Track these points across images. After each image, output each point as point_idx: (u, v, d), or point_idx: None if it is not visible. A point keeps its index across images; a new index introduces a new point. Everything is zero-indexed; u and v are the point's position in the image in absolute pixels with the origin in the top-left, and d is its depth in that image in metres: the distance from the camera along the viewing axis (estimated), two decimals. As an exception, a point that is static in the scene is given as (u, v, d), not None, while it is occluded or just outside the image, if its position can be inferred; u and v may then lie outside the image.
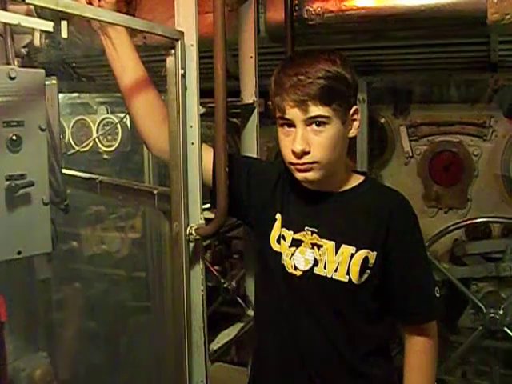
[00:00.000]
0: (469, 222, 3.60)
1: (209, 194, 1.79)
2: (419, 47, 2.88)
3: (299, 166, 1.57)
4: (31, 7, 1.50)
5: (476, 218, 3.58)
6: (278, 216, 1.72)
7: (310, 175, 1.58)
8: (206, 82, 1.74)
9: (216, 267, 4.03)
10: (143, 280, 3.05)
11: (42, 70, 1.44)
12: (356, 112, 1.61)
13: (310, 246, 1.66)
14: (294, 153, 1.55)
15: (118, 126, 3.97)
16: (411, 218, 1.68)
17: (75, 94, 3.95)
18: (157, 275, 2.89)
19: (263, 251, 1.76)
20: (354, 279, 1.61)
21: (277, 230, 1.71)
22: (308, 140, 1.54)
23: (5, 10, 1.48)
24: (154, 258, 2.93)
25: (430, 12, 2.26)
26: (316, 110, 1.52)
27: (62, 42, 1.82)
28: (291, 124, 1.56)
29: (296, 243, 1.68)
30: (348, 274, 1.61)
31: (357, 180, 1.71)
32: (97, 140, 4.09)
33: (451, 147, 3.75)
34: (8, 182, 1.38)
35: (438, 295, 1.70)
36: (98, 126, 4.07)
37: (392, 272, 1.64)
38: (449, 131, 3.75)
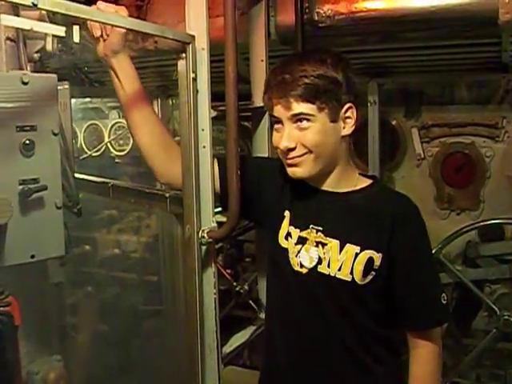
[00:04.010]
0: (482, 223, 3.58)
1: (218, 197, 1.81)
2: (430, 48, 2.87)
3: (288, 161, 1.64)
4: (43, 12, 1.50)
5: (489, 220, 3.56)
6: (287, 213, 1.74)
7: (297, 170, 1.64)
8: (217, 85, 1.75)
9: (228, 270, 4.02)
10: (156, 283, 3.05)
11: (55, 75, 1.45)
12: (350, 110, 1.62)
13: (315, 243, 1.67)
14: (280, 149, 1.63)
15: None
16: (417, 223, 1.68)
17: (87, 99, 3.97)
18: (169, 278, 2.89)
19: (272, 248, 1.78)
20: (358, 279, 1.62)
21: (285, 227, 1.73)
22: (294, 137, 1.60)
23: (17, 15, 1.50)
24: (166, 261, 2.94)
25: (441, 13, 2.26)
26: (298, 107, 1.58)
27: (74, 47, 1.83)
28: (280, 121, 1.63)
29: (302, 241, 1.70)
30: (351, 273, 1.62)
31: (365, 182, 1.73)
32: (109, 144, 4.11)
33: (463, 148, 3.73)
34: (21, 187, 1.39)
35: (445, 302, 1.69)
36: (110, 130, 4.09)
37: (396, 276, 1.64)
38: (461, 132, 3.73)
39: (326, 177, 1.69)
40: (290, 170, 1.66)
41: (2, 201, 1.30)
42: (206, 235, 1.73)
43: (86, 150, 4.07)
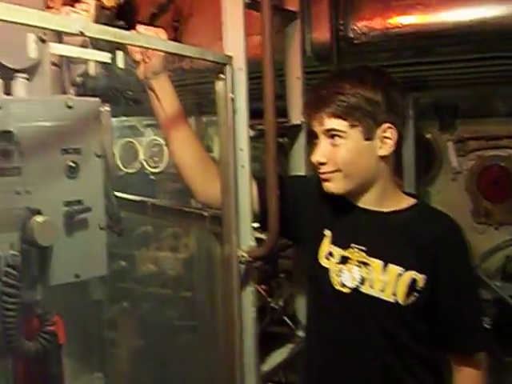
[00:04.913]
0: (521, 238, 3.52)
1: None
2: (465, 61, 2.84)
3: (321, 176, 1.66)
4: (86, 38, 1.54)
5: (529, 234, 3.50)
6: (327, 232, 1.73)
7: (330, 185, 1.66)
8: (253, 101, 1.77)
9: (263, 286, 4.02)
10: (194, 301, 3.07)
11: (98, 99, 1.48)
12: (389, 131, 1.61)
13: (357, 263, 1.66)
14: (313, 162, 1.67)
15: (164, 147, 4.03)
16: (460, 245, 1.67)
17: (123, 118, 4.03)
18: (207, 297, 2.90)
19: (313, 268, 1.77)
20: (401, 300, 1.60)
21: (326, 246, 1.73)
22: (326, 152, 1.63)
23: (60, 41, 1.54)
24: (205, 280, 2.95)
25: (478, 26, 2.25)
26: (330, 123, 1.61)
27: (115, 71, 1.87)
28: (317, 135, 1.66)
29: (344, 260, 1.69)
30: (394, 294, 1.61)
31: (407, 202, 1.71)
32: (144, 161, 4.16)
33: (500, 161, 3.67)
34: (66, 208, 1.43)
35: (487, 326, 1.66)
36: (145, 147, 4.14)
37: (439, 299, 1.62)
38: (497, 145, 3.67)
39: (366, 195, 1.69)
40: (323, 185, 1.68)
41: (48, 223, 1.33)
42: (245, 254, 1.74)
43: (121, 167, 4.12)
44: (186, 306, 3.06)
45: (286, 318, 3.27)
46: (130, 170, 3.93)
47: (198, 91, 3.37)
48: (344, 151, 1.61)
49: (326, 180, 1.66)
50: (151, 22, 2.69)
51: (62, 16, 1.49)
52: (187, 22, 2.74)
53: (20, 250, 1.36)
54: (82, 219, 1.45)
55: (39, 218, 1.32)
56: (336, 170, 1.63)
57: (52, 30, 1.21)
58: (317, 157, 1.65)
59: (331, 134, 1.62)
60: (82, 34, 1.13)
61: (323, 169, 1.65)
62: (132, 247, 3.19)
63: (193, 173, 1.80)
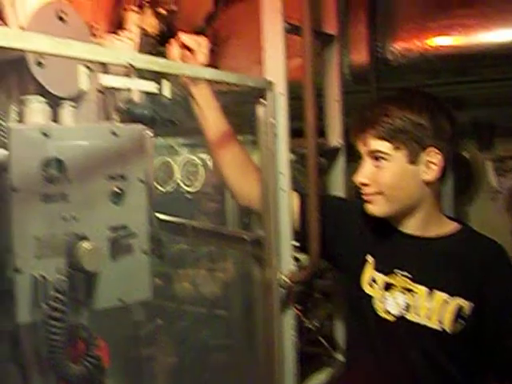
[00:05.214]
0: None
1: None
2: (503, 80, 2.81)
3: (363, 197, 1.65)
4: (131, 66, 1.57)
5: None
6: (370, 258, 1.72)
7: (371, 208, 1.65)
8: (292, 120, 1.78)
9: (297, 306, 3.99)
10: (233, 323, 3.07)
11: (142, 126, 1.51)
12: (435, 156, 1.60)
13: (402, 290, 1.64)
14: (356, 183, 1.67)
15: (200, 166, 4.07)
16: (507, 270, 1.64)
17: (159, 138, 4.07)
18: (247, 319, 2.90)
19: (354, 294, 1.75)
20: (447, 328, 1.58)
21: (368, 272, 1.71)
22: (369, 173, 1.63)
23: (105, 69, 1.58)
24: (244, 302, 2.95)
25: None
26: (374, 144, 1.60)
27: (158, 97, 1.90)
28: (362, 156, 1.67)
29: (387, 287, 1.66)
30: (441, 321, 1.58)
31: (452, 227, 1.69)
32: (179, 180, 4.19)
33: (540, 180, 3.62)
34: (111, 233, 1.45)
35: None
36: (181, 166, 4.17)
37: (488, 326, 1.59)
38: (537, 164, 3.62)
39: (409, 219, 1.67)
40: (365, 206, 1.67)
41: (94, 250, 1.35)
42: (286, 278, 1.74)
43: (157, 186, 4.16)
44: (224, 327, 3.06)
45: (321, 339, 3.25)
46: (165, 189, 3.96)
47: (234, 112, 3.40)
48: (387, 174, 1.61)
49: (368, 202, 1.66)
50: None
51: (110, 48, 1.53)
52: (225, 45, 2.77)
53: (66, 275, 1.38)
54: (127, 244, 1.47)
55: (86, 244, 1.35)
56: (378, 193, 1.62)
57: (101, 62, 1.24)
58: (360, 178, 1.65)
59: (375, 155, 1.62)
60: (130, 65, 1.15)
61: (366, 190, 1.65)
62: (170, 268, 3.21)
63: (234, 178, 1.82)
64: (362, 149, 1.66)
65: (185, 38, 1.69)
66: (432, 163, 1.60)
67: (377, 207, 1.65)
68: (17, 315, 1.37)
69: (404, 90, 1.78)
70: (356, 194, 1.77)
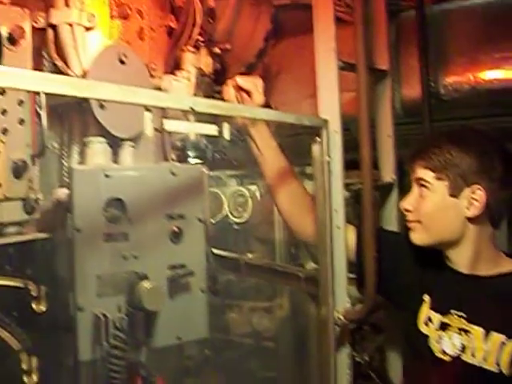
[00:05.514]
0: None
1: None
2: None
3: (407, 224, 1.66)
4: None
5: None
6: (426, 297, 1.69)
7: (413, 235, 1.66)
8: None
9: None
10: (286, 359, 3.05)
11: (201, 166, 1.54)
12: (479, 194, 1.57)
13: (458, 330, 1.61)
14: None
15: (249, 197, 4.09)
16: None
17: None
18: (302, 355, 2.88)
19: (410, 332, 1.73)
20: (505, 370, 1.53)
21: (424, 311, 1.68)
22: (413, 200, 1.65)
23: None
24: (298, 339, 2.94)
25: None
26: (419, 172, 1.63)
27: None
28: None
29: (443, 327, 1.63)
30: (498, 363, 1.54)
31: (510, 265, 1.65)
32: (228, 212, 4.22)
33: None
34: (170, 272, 1.47)
35: None
36: (229, 198, 4.21)
37: None
38: None
39: (457, 256, 1.64)
40: (409, 234, 1.67)
41: (156, 289, 1.37)
42: (341, 316, 1.72)
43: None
44: (280, 365, 3.04)
45: (371, 373, 3.19)
46: (214, 221, 3.99)
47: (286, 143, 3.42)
48: (427, 203, 1.61)
49: (411, 229, 1.67)
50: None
51: (172, 94, 1.57)
52: (275, 80, 2.80)
53: (127, 314, 1.41)
54: (185, 282, 1.49)
55: (147, 284, 1.37)
56: (418, 221, 1.63)
57: (164, 108, 1.27)
58: (404, 203, 1.67)
59: (420, 183, 1.63)
60: (192, 109, 1.18)
61: (408, 217, 1.66)
62: (224, 303, 3.22)
63: (292, 214, 1.85)
64: (412, 176, 1.68)
65: (241, 80, 1.71)
66: (475, 200, 1.58)
67: (416, 235, 1.66)
68: (78, 353, 1.40)
69: (460, 127, 1.78)
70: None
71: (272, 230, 3.97)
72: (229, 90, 1.74)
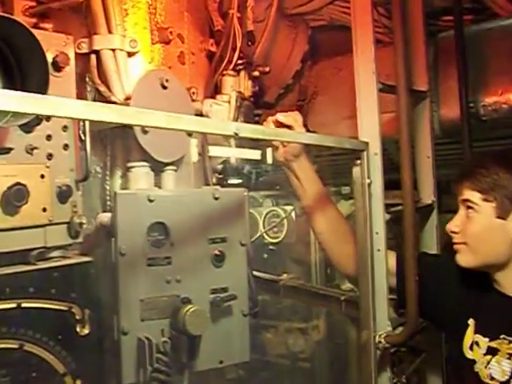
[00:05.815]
0: None
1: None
2: None
3: (453, 246, 1.64)
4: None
5: None
6: (471, 321, 1.66)
7: (459, 257, 1.63)
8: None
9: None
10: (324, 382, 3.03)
11: (243, 190, 1.54)
12: None
13: (507, 355, 1.57)
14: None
15: (284, 218, 4.08)
16: None
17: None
18: (342, 378, 2.85)
19: (455, 356, 1.70)
20: None
21: (470, 335, 1.65)
22: (459, 222, 1.63)
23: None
24: (338, 362, 2.91)
25: None
26: (466, 193, 1.61)
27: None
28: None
29: (492, 351, 1.60)
30: None
31: None
32: (263, 232, 4.22)
33: None
34: (213, 296, 1.48)
35: None
36: (265, 218, 4.20)
37: None
38: None
39: (505, 278, 1.61)
40: (456, 256, 1.65)
41: (200, 313, 1.38)
42: (383, 340, 1.70)
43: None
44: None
45: (409, 396, 3.13)
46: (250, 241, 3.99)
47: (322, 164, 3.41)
48: (474, 224, 1.59)
49: (457, 251, 1.64)
50: (277, 101, 2.78)
51: (216, 119, 1.58)
52: (312, 101, 2.80)
53: (170, 337, 1.41)
54: (227, 306, 1.49)
55: (191, 308, 1.38)
56: (464, 243, 1.61)
57: (208, 133, 1.28)
58: (450, 225, 1.65)
59: (467, 204, 1.61)
60: (236, 134, 1.19)
61: (455, 238, 1.64)
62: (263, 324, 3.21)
63: (333, 247, 1.85)
64: (458, 198, 1.66)
65: (281, 117, 1.72)
66: None
67: (463, 257, 1.63)
68: (122, 376, 1.41)
69: (507, 149, 1.76)
70: (445, 245, 1.75)
71: (308, 250, 3.96)
72: (269, 127, 1.75)
